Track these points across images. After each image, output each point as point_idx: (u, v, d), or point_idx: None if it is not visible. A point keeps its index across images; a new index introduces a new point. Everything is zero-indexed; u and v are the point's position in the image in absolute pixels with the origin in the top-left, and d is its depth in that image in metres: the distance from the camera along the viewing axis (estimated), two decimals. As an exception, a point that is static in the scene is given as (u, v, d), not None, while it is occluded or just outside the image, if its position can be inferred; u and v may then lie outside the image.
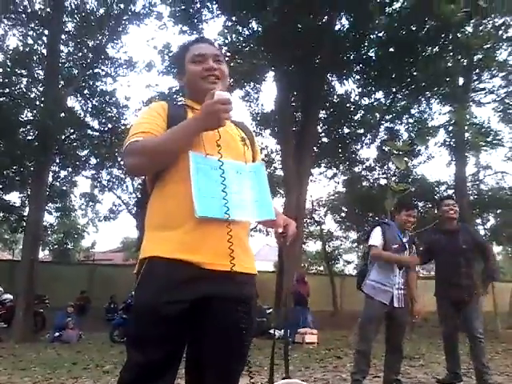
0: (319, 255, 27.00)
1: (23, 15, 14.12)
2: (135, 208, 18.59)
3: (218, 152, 1.66)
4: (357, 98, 15.57)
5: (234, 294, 1.61)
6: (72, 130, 14.94)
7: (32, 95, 14.64)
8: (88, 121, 16.01)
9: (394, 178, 15.88)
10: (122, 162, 12.84)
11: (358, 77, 14.50)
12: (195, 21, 13.21)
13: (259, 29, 12.53)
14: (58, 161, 16.09)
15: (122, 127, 14.72)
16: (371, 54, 13.25)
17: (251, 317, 1.71)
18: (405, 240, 4.72)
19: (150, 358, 1.57)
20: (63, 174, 17.74)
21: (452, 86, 13.44)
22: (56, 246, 27.81)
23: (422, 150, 17.13)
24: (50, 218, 20.19)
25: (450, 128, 14.96)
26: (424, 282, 23.30)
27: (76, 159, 16.18)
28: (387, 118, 15.98)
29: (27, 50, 14.12)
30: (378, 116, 15.67)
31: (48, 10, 14.01)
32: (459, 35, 11.55)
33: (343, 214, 21.58)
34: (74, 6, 14.51)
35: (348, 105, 15.67)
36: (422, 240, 6.81)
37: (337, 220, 22.22)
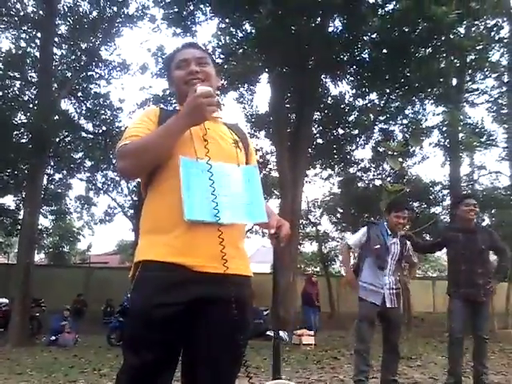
0: (315, 256, 27.01)
1: (16, 18, 14.10)
2: (131, 210, 18.60)
3: (205, 155, 1.67)
4: (351, 99, 15.61)
5: (227, 296, 1.61)
6: (66, 133, 14.90)
7: (25, 98, 14.64)
8: (82, 123, 16.01)
9: (388, 179, 15.94)
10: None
11: (352, 78, 14.52)
12: (188, 23, 13.18)
13: (253, 31, 12.52)
14: (52, 164, 16.06)
15: (117, 129, 14.70)
16: (365, 55, 13.27)
17: (246, 318, 1.71)
18: (393, 241, 4.72)
19: (145, 360, 1.59)
20: (58, 176, 17.73)
21: (445, 86, 13.47)
22: (51, 250, 27.67)
23: (416, 150, 17.17)
24: (45, 222, 20.15)
25: (444, 128, 15.00)
26: (419, 281, 23.48)
27: (70, 162, 16.13)
28: (381, 118, 16.01)
29: (20, 52, 14.12)
30: (373, 117, 15.70)
31: (41, 12, 14.01)
32: (452, 36, 11.58)
33: (339, 215, 21.61)
34: (66, 9, 14.53)
35: (342, 106, 15.68)
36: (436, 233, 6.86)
37: (333, 221, 22.24)
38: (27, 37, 14.50)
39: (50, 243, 27.57)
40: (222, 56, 13.56)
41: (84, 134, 15.81)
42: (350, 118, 16.17)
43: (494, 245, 4.91)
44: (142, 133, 1.73)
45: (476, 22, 13.01)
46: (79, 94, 15.83)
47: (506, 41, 14.83)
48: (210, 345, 1.66)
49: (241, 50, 13.52)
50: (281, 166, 13.51)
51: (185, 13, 12.96)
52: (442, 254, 28.52)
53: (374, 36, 12.38)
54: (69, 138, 15.50)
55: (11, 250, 27.75)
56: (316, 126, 15.97)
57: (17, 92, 14.51)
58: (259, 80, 15.39)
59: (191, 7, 12.99)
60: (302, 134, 13.42)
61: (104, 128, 15.49)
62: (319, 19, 12.47)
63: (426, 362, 7.08)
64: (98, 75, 15.72)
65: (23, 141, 14.34)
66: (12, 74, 13.96)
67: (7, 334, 11.68)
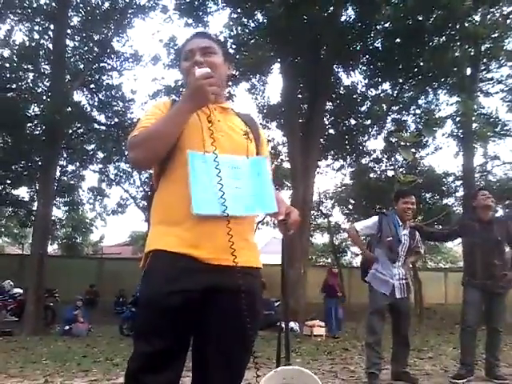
0: (327, 247, 26.97)
1: (29, 10, 14.14)
2: (143, 202, 18.68)
3: (214, 148, 1.68)
4: (363, 89, 15.46)
5: (237, 286, 1.63)
6: (79, 125, 15.00)
7: (39, 90, 14.71)
8: (95, 115, 16.07)
9: (401, 170, 15.79)
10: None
11: (365, 68, 14.39)
12: (200, 13, 13.15)
13: (265, 21, 12.46)
14: (65, 155, 16.19)
15: (129, 121, 14.76)
16: (378, 44, 13.14)
17: (256, 308, 1.73)
18: (404, 232, 4.69)
19: (155, 347, 1.61)
20: (71, 168, 17.85)
21: (459, 76, 13.30)
22: (65, 240, 27.96)
23: (429, 141, 16.96)
24: (58, 213, 20.33)
25: (458, 119, 14.81)
26: (431, 273, 23.35)
27: (83, 153, 16.24)
28: (394, 109, 15.86)
29: (33, 44, 14.18)
30: (385, 107, 15.55)
31: (53, 4, 14.04)
32: (467, 24, 11.42)
33: (350, 206, 21.51)
34: (79, 1, 14.55)
35: (355, 96, 15.56)
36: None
37: (344, 212, 22.15)
38: (40, 29, 14.53)
39: (64, 234, 27.86)
40: (233, 46, 13.49)
41: (96, 126, 15.89)
42: (363, 108, 16.04)
43: (510, 236, 4.82)
44: (152, 124, 1.74)
45: (492, 10, 12.80)
46: (92, 85, 15.88)
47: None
48: (220, 334, 1.68)
49: (253, 40, 13.46)
50: (292, 156, 13.46)
51: (196, 3, 12.94)
52: (454, 246, 28.35)
53: (387, 25, 12.26)
54: (81, 130, 15.61)
55: (25, 240, 28.14)
56: (328, 116, 15.88)
57: (30, 84, 14.59)
58: (271, 70, 15.31)
59: (203, -3, 12.95)
60: (313, 125, 13.34)
61: (116, 119, 15.55)
62: (332, 8, 12.34)
63: (437, 353, 7.05)
64: (110, 67, 15.75)
65: (36, 132, 14.47)
66: (25, 66, 14.03)
67: (22, 324, 11.84)
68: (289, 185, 16.75)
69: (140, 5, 14.73)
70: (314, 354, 7.27)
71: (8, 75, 13.73)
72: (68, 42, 14.54)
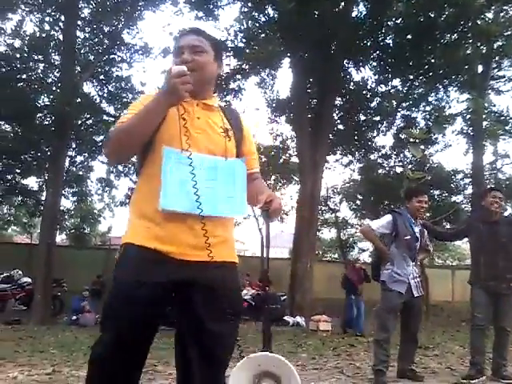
0: (334, 243, 26.95)
1: (40, 1, 14.14)
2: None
3: (189, 147, 1.70)
4: (373, 85, 15.38)
5: (210, 281, 1.68)
6: (88, 116, 14.99)
7: (49, 80, 14.73)
8: (104, 106, 16.05)
9: (410, 166, 15.71)
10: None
11: (375, 64, 14.33)
12: (211, 7, 13.11)
13: (275, 15, 12.42)
14: (74, 146, 16.19)
15: (138, 113, 14.72)
16: (388, 40, 13.09)
17: (234, 301, 1.77)
18: (417, 229, 4.69)
19: (119, 334, 1.66)
20: (79, 159, 17.84)
21: (471, 73, 13.21)
22: (73, 231, 28.06)
23: (438, 138, 16.90)
24: (66, 203, 20.35)
25: (468, 116, 14.74)
26: (438, 270, 23.27)
27: (92, 144, 16.23)
28: (404, 105, 15.79)
29: (44, 35, 14.17)
30: (395, 103, 15.49)
31: (64, -5, 14.01)
32: (479, 22, 11.33)
33: (358, 202, 21.47)
34: (90, -8, 14.51)
35: (364, 92, 15.49)
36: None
37: (352, 207, 22.12)
38: (51, 20, 14.52)
39: (72, 224, 27.96)
40: (243, 40, 13.47)
41: (105, 117, 15.88)
42: (372, 104, 15.97)
43: None
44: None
45: (505, 7, 12.68)
46: (101, 77, 15.87)
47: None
48: (197, 328, 1.71)
49: (263, 35, 13.43)
50: (301, 151, 13.46)
51: (207, -4, 12.90)
52: (462, 243, 28.26)
53: (398, 21, 12.19)
54: (90, 121, 15.60)
55: (34, 230, 28.29)
56: (337, 111, 15.83)
57: (40, 74, 14.62)
58: (281, 65, 15.27)
59: (214, -10, 12.91)
60: (323, 120, 13.31)
61: (125, 111, 15.54)
62: (343, 4, 12.29)
63: (443, 351, 7.04)
64: (120, 58, 15.73)
65: (46, 123, 14.51)
66: (36, 57, 14.05)
67: (30, 313, 11.94)
68: (297, 179, 16.75)
69: (151, -3, 14.68)
70: (320, 349, 7.28)
71: (18, 65, 13.77)
72: (78, 33, 14.54)
